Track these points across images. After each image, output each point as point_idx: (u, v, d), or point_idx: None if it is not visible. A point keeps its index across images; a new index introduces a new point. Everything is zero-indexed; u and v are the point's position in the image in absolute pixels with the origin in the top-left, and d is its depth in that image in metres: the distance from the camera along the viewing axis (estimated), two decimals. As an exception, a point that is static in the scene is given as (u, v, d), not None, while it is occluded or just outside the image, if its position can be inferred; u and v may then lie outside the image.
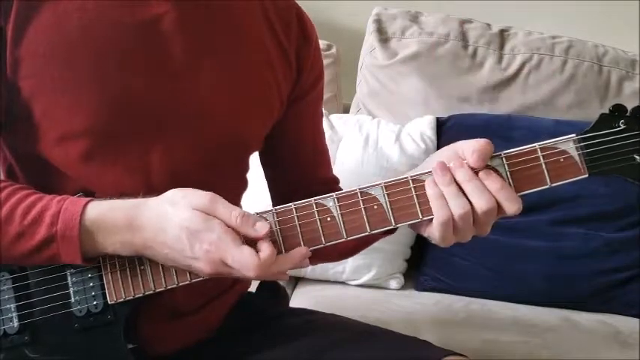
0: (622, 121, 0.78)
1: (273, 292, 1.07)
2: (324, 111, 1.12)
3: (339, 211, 0.79)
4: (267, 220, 0.78)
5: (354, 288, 1.57)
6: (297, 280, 1.60)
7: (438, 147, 1.53)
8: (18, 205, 0.78)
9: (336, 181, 1.07)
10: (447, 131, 1.62)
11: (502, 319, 1.46)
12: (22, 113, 0.82)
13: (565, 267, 1.53)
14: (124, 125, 0.83)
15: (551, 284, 1.54)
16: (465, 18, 1.75)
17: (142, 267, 0.80)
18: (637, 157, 0.77)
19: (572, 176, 0.78)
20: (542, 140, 0.78)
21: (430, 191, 0.78)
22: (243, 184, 1.00)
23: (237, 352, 0.93)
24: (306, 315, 1.04)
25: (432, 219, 0.78)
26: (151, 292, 0.80)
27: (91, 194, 0.81)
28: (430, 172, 0.78)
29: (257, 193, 1.05)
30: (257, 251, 0.75)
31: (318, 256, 0.84)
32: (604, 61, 1.70)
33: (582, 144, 0.78)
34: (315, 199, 0.79)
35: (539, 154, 0.78)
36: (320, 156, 1.07)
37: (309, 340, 0.92)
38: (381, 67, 1.73)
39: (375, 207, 0.79)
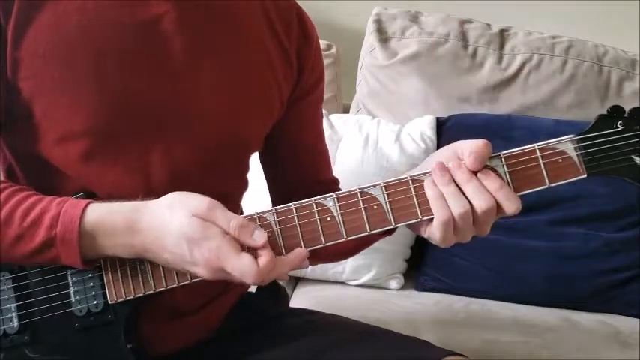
0: (620, 122, 0.78)
1: (273, 292, 1.07)
2: (324, 111, 1.12)
3: (339, 211, 0.79)
4: (267, 219, 0.78)
5: (354, 288, 1.57)
6: (297, 280, 1.60)
7: (438, 147, 1.53)
8: (18, 207, 0.78)
9: (335, 182, 1.07)
10: (446, 131, 1.62)
11: (502, 319, 1.46)
12: (22, 113, 0.82)
13: (565, 267, 1.53)
14: (123, 125, 0.83)
15: (552, 284, 1.54)
16: (465, 18, 1.75)
17: (143, 267, 0.80)
18: (635, 158, 0.77)
19: (571, 177, 0.78)
20: (542, 140, 0.79)
21: (430, 192, 0.78)
22: (243, 185, 1.00)
23: (237, 352, 0.93)
24: (306, 315, 1.04)
25: (431, 219, 0.78)
26: (152, 291, 0.81)
27: (91, 194, 0.82)
28: (429, 172, 0.78)
29: (257, 193, 1.05)
30: (256, 257, 0.75)
31: (318, 257, 0.84)
32: (604, 61, 1.70)
33: (581, 144, 0.78)
34: (315, 199, 0.79)
35: (538, 154, 0.78)
36: (320, 157, 1.07)
37: (309, 340, 0.92)
38: (381, 67, 1.73)
39: (375, 207, 0.79)
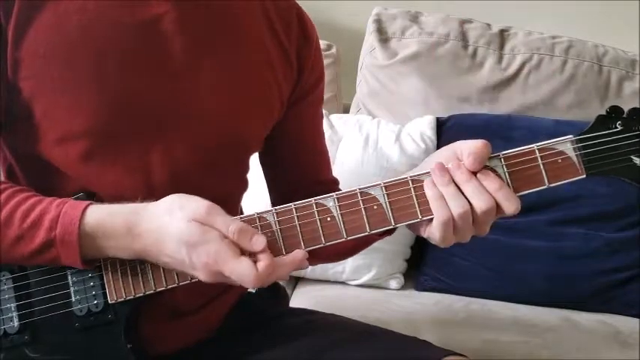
0: (619, 122, 0.78)
1: (273, 292, 1.07)
2: (324, 111, 1.12)
3: (339, 211, 0.79)
4: (267, 219, 0.78)
5: (354, 288, 1.58)
6: (297, 280, 1.60)
7: (438, 147, 1.53)
8: (17, 208, 0.78)
9: (335, 182, 1.07)
10: (447, 131, 1.62)
11: (502, 319, 1.46)
12: (22, 113, 0.82)
13: (565, 267, 1.53)
14: (123, 125, 0.83)
15: (552, 284, 1.54)
16: (465, 18, 1.75)
17: (143, 266, 0.80)
18: (634, 158, 0.78)
19: (570, 177, 0.78)
20: (542, 140, 0.79)
21: (429, 192, 0.78)
22: (243, 185, 1.00)
23: (237, 352, 0.93)
24: (306, 315, 1.04)
25: (431, 219, 0.78)
26: (152, 291, 0.81)
27: (91, 195, 0.82)
28: (429, 172, 0.78)
29: (257, 193, 1.05)
30: (255, 261, 0.74)
31: (318, 257, 0.84)
32: (604, 61, 1.70)
33: (580, 145, 0.78)
34: (315, 199, 0.79)
35: (537, 154, 0.78)
36: (320, 157, 1.07)
37: (309, 340, 0.92)
38: (381, 67, 1.73)
39: (375, 207, 0.79)
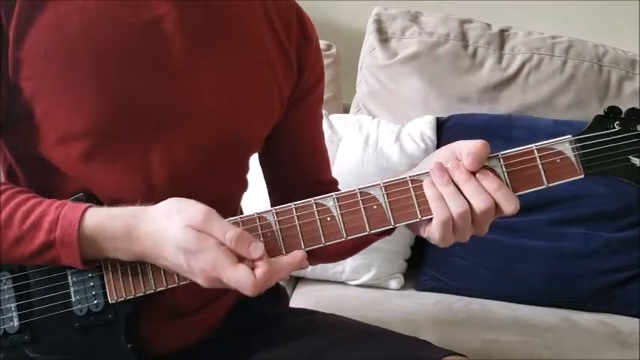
0: (617, 122, 0.79)
1: (273, 292, 1.07)
2: (324, 111, 1.12)
3: (338, 211, 0.79)
4: (267, 219, 0.78)
5: (354, 288, 1.58)
6: (297, 280, 1.60)
7: (438, 147, 1.51)
8: (17, 209, 0.78)
9: (334, 182, 1.07)
10: (446, 131, 1.62)
11: (502, 319, 1.46)
12: (22, 113, 0.82)
13: (565, 267, 1.53)
14: (124, 125, 0.84)
15: (551, 284, 1.54)
16: (465, 18, 1.75)
17: (143, 266, 0.80)
18: (632, 158, 0.78)
19: (569, 177, 0.79)
20: (542, 140, 0.79)
21: (429, 192, 0.78)
22: (243, 185, 1.00)
23: (237, 352, 0.93)
24: (306, 315, 1.04)
25: (430, 219, 0.78)
26: (152, 291, 0.81)
27: (90, 195, 0.82)
28: (428, 172, 0.79)
29: (257, 193, 1.05)
30: (253, 267, 0.74)
31: (318, 257, 0.84)
32: (604, 61, 1.70)
33: (578, 145, 0.78)
34: (314, 199, 0.79)
35: (536, 154, 0.78)
36: (320, 157, 1.07)
37: (309, 340, 0.92)
38: (381, 67, 1.73)
39: (375, 207, 0.79)
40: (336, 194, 0.79)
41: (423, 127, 1.61)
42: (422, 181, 0.79)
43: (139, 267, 0.80)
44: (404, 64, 1.70)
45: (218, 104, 0.88)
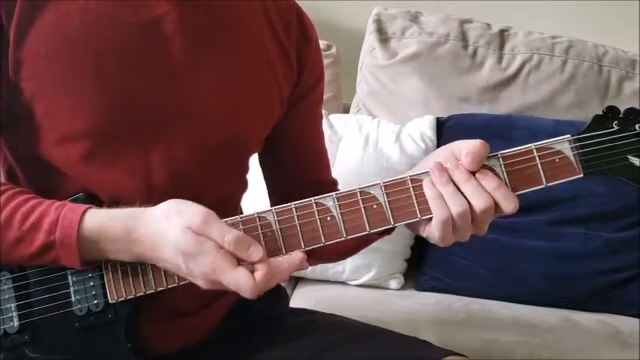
0: (615, 122, 0.79)
1: (273, 292, 1.07)
2: (323, 111, 1.12)
3: (338, 211, 0.79)
4: (267, 219, 0.78)
5: (354, 288, 1.57)
6: (297, 280, 1.60)
7: (438, 147, 1.52)
8: (17, 210, 0.78)
9: (334, 183, 1.07)
10: (446, 131, 1.62)
11: (502, 319, 1.46)
12: (23, 114, 0.82)
13: (565, 267, 1.53)
14: (124, 125, 0.84)
15: (551, 284, 1.54)
16: (465, 18, 1.75)
17: (143, 266, 0.80)
18: (630, 158, 0.78)
19: (568, 176, 0.79)
20: (542, 140, 0.79)
21: (428, 192, 0.78)
22: (243, 185, 1.00)
23: (237, 352, 0.93)
24: (306, 315, 1.04)
25: (430, 219, 0.79)
26: (152, 291, 0.81)
27: (90, 195, 0.82)
28: (428, 172, 0.79)
29: (257, 193, 1.05)
30: (253, 270, 0.74)
31: (318, 257, 0.84)
32: (604, 61, 1.70)
33: (577, 144, 0.79)
34: (314, 199, 0.79)
35: (535, 154, 0.79)
36: (319, 157, 1.07)
37: (309, 340, 0.92)
38: (381, 67, 1.73)
39: (375, 206, 0.79)
40: (336, 194, 0.80)
41: (423, 127, 1.61)
42: (421, 180, 0.79)
43: (139, 267, 0.80)
44: (404, 64, 1.70)
45: (218, 104, 0.88)
